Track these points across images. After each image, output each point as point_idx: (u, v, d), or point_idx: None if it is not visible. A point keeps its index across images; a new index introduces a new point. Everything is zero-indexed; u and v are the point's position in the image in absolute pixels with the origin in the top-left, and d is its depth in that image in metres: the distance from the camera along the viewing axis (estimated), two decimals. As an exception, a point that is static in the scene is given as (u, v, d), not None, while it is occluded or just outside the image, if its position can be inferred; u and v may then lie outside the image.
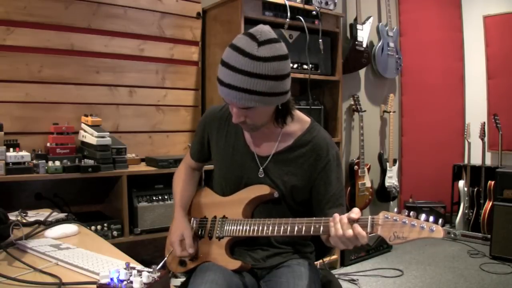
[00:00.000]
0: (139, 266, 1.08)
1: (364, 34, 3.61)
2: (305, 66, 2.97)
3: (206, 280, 1.22)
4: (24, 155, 2.10)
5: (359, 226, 1.09)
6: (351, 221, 1.11)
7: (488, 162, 4.05)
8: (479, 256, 3.49)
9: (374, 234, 1.09)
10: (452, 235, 3.95)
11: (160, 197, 2.43)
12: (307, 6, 2.91)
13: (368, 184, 3.66)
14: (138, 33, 2.71)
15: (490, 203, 3.67)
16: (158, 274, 1.00)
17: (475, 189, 3.93)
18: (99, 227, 2.24)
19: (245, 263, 1.34)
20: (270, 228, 1.26)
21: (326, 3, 3.02)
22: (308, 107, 3.03)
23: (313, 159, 1.35)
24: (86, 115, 2.39)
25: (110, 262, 1.14)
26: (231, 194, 1.42)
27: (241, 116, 1.26)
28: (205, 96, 2.99)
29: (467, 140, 3.97)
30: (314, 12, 2.94)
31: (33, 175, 2.11)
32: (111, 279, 0.95)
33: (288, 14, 2.77)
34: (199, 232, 1.44)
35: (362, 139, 3.56)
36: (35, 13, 2.36)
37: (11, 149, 2.13)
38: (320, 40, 2.98)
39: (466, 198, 3.95)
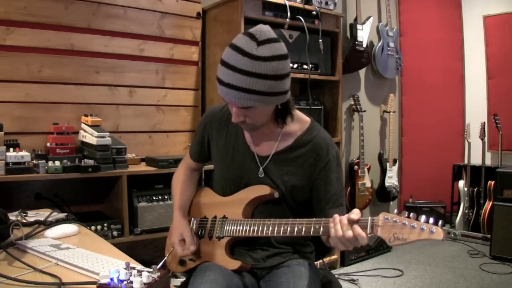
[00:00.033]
0: (139, 266, 1.08)
1: (364, 34, 3.61)
2: (305, 66, 2.97)
3: (206, 280, 1.22)
4: (24, 155, 2.11)
5: (359, 227, 1.09)
6: (351, 222, 1.11)
7: (488, 162, 4.05)
8: (479, 256, 3.49)
9: (374, 235, 1.10)
10: (452, 235, 3.95)
11: (160, 197, 2.43)
12: (307, 6, 2.92)
13: (368, 184, 3.66)
14: (138, 33, 2.71)
15: (490, 203, 3.67)
16: (158, 274, 1.00)
17: (475, 189, 3.93)
18: (99, 227, 2.24)
19: (245, 263, 1.34)
20: (270, 228, 1.26)
21: (326, 3, 3.02)
22: (308, 107, 3.03)
23: (313, 159, 1.35)
24: (86, 115, 2.39)
25: (110, 262, 1.14)
26: (231, 194, 1.42)
27: (240, 116, 1.26)
28: (205, 96, 2.99)
29: (467, 140, 3.97)
30: (314, 12, 2.94)
31: (33, 175, 2.11)
32: (111, 279, 0.95)
33: (288, 14, 2.77)
34: (199, 232, 1.44)
35: (362, 139, 3.56)
36: (35, 13, 2.36)
37: (11, 149, 2.13)
38: (320, 40, 2.98)
39: (466, 198, 3.95)
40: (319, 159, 1.34)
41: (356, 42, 3.54)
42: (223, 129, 1.45)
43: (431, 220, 1.04)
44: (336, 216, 1.14)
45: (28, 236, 1.38)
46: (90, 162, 2.24)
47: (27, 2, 2.33)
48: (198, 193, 1.56)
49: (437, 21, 4.33)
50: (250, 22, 2.55)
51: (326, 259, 2.60)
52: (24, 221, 1.58)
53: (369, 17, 3.70)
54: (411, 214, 1.06)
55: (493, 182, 3.64)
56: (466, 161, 4.00)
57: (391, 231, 1.06)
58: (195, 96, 2.96)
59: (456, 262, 3.37)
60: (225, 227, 1.37)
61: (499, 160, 3.88)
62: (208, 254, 1.40)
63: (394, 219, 1.06)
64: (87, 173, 2.21)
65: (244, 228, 1.32)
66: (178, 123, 2.91)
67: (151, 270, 1.01)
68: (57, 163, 2.17)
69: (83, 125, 2.39)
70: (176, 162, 2.42)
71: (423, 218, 1.04)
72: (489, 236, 3.54)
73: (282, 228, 1.24)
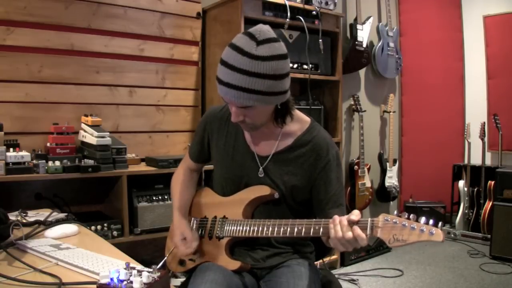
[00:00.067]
0: (139, 266, 1.08)
1: (364, 34, 3.61)
2: (305, 66, 2.97)
3: (206, 280, 1.22)
4: (24, 155, 2.10)
5: (359, 228, 1.09)
6: (351, 223, 1.11)
7: (488, 162, 4.05)
8: (479, 256, 3.49)
9: (373, 236, 1.09)
10: (452, 235, 3.95)
11: (160, 197, 2.43)
12: (307, 6, 2.92)
13: (368, 184, 3.66)
14: (138, 33, 2.71)
15: (490, 203, 3.67)
16: (158, 274, 1.00)
17: (475, 189, 3.93)
18: (99, 227, 2.24)
19: (244, 264, 1.34)
20: (270, 229, 1.26)
21: (326, 3, 3.02)
22: (308, 107, 3.03)
23: (313, 158, 1.35)
24: (86, 115, 2.39)
25: (110, 262, 1.14)
26: (232, 194, 1.42)
27: (240, 115, 1.26)
28: (205, 96, 2.99)
29: (467, 140, 3.97)
30: (314, 12, 2.94)
31: (33, 175, 2.11)
32: (111, 279, 0.95)
33: (288, 14, 2.77)
34: (199, 232, 1.44)
35: (362, 139, 3.56)
36: (35, 13, 2.36)
37: (11, 149, 2.13)
38: (320, 40, 2.98)
39: (466, 198, 3.95)
40: (319, 159, 1.34)
41: (356, 42, 3.54)
42: (223, 129, 1.45)
43: (431, 221, 1.04)
44: (336, 217, 1.14)
45: (28, 236, 1.38)
46: (90, 162, 2.24)
47: (27, 2, 2.33)
48: (198, 193, 1.56)
49: (437, 21, 4.33)
50: (250, 22, 2.55)
51: (326, 259, 2.60)
52: (24, 221, 1.58)
53: (369, 17, 3.70)
54: (411, 216, 1.06)
55: (493, 182, 3.64)
56: (466, 161, 4.00)
57: (391, 232, 1.06)
58: (195, 96, 2.96)
59: (456, 262, 3.37)
60: (225, 227, 1.37)
61: (499, 160, 3.88)
62: (208, 254, 1.40)
63: (394, 220, 1.06)
64: (87, 173, 2.21)
65: (244, 228, 1.32)
66: (178, 123, 2.91)
67: (151, 270, 1.01)
68: (57, 163, 2.17)
69: (83, 125, 2.39)
70: (176, 162, 2.42)
71: (423, 219, 1.04)
72: (489, 236, 3.54)
73: (282, 229, 1.24)
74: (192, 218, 1.49)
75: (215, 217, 1.43)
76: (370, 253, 3.51)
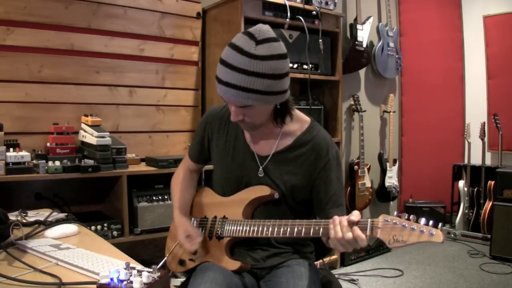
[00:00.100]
0: (139, 266, 1.08)
1: (364, 34, 3.61)
2: (305, 66, 2.97)
3: (206, 280, 1.22)
4: (24, 155, 2.10)
5: (359, 229, 1.09)
6: (351, 224, 1.11)
7: (488, 162, 4.05)
8: (479, 256, 3.49)
9: (373, 237, 1.09)
10: (452, 235, 3.95)
11: (160, 197, 2.43)
12: (307, 6, 2.92)
13: (368, 184, 3.66)
14: (138, 33, 2.71)
15: (490, 203, 3.67)
16: (158, 274, 1.00)
17: (475, 189, 3.93)
18: (99, 227, 2.24)
19: (244, 264, 1.34)
20: (270, 229, 1.26)
21: (326, 3, 3.02)
22: (308, 107, 3.03)
23: (313, 158, 1.35)
24: (86, 115, 2.39)
25: (110, 262, 1.14)
26: (232, 194, 1.43)
27: (239, 115, 1.26)
28: (205, 96, 2.99)
29: (467, 140, 3.97)
30: (314, 12, 2.94)
31: (33, 175, 2.11)
32: (111, 279, 0.95)
33: (288, 14, 2.77)
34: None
35: (362, 139, 3.56)
36: (35, 13, 2.36)
37: (11, 149, 2.13)
38: (320, 40, 2.98)
39: (466, 198, 3.95)
40: (319, 158, 1.34)
41: (356, 42, 3.54)
42: (223, 129, 1.45)
43: (431, 222, 1.04)
44: (336, 218, 1.14)
45: (28, 236, 1.38)
46: (90, 162, 2.24)
47: (27, 2, 2.33)
48: (198, 193, 1.56)
49: (437, 21, 4.32)
50: (250, 22, 2.55)
51: (326, 259, 2.60)
52: (24, 221, 1.58)
53: (369, 17, 3.70)
54: (411, 216, 1.06)
55: (493, 182, 3.64)
56: (466, 161, 4.00)
57: (390, 233, 1.06)
58: (195, 96, 2.96)
59: (456, 262, 3.37)
60: (225, 227, 1.37)
61: (499, 160, 3.88)
62: (208, 254, 1.40)
63: (394, 221, 1.06)
64: (87, 173, 2.21)
65: (244, 228, 1.32)
66: (178, 123, 2.91)
67: (151, 270, 1.01)
68: (57, 163, 2.17)
69: (83, 125, 2.39)
70: (176, 162, 2.42)
71: (423, 220, 1.04)
72: (489, 236, 3.54)
73: (282, 229, 1.24)
74: (192, 218, 1.49)
75: (215, 217, 1.43)
76: (370, 253, 3.51)
